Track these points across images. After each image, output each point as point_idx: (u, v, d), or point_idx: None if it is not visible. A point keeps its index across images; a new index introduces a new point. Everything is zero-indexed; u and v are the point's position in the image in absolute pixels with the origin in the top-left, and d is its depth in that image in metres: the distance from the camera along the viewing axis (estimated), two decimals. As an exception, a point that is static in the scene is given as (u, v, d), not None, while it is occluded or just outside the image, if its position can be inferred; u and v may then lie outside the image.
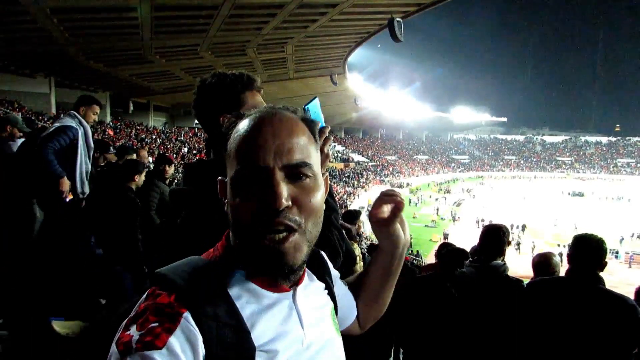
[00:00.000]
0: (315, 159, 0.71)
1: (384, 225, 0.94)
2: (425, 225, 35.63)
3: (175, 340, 0.57)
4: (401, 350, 5.07)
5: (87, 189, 3.89)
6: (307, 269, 0.80)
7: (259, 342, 0.65)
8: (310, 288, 0.81)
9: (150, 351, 0.55)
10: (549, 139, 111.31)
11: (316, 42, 20.34)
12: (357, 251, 4.58)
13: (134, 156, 5.03)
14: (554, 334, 2.32)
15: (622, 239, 30.62)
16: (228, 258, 0.72)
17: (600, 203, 52.12)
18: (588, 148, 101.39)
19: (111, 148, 5.00)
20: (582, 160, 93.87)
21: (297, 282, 0.75)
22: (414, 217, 38.61)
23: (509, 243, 2.84)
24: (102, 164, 4.78)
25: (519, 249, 27.06)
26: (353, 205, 34.54)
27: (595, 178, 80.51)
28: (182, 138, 34.58)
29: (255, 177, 0.64)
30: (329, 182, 0.82)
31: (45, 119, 19.41)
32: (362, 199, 41.81)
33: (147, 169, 4.48)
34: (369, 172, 55.78)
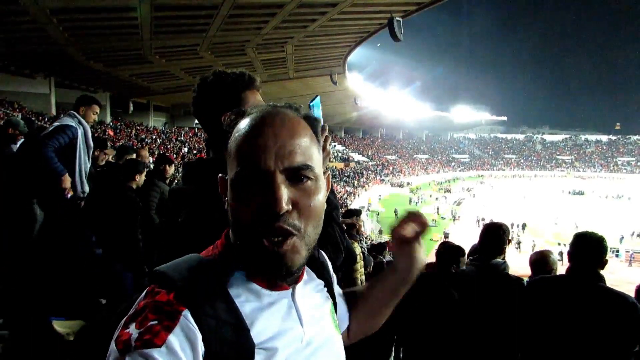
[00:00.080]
0: (317, 159, 0.70)
1: (406, 244, 0.93)
2: (426, 225, 35.58)
3: (175, 339, 0.57)
4: (402, 350, 5.08)
5: (86, 188, 3.89)
6: (306, 267, 0.80)
7: (259, 340, 0.64)
8: (310, 286, 0.81)
9: (150, 349, 0.55)
10: (549, 137, 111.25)
11: (316, 41, 20.33)
12: (358, 250, 4.60)
13: (134, 156, 5.02)
14: (555, 332, 2.31)
15: (622, 237, 30.62)
16: (227, 256, 0.71)
17: (600, 202, 52.11)
18: (588, 147, 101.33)
19: (109, 144, 4.99)
20: (583, 159, 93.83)
21: (297, 281, 0.75)
22: (414, 217, 38.56)
23: (509, 242, 2.84)
24: (102, 163, 4.78)
25: (519, 248, 27.06)
26: (353, 205, 34.53)
27: (596, 177, 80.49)
28: (182, 138, 34.59)
29: (256, 179, 0.64)
30: (330, 180, 0.82)
31: (46, 119, 19.39)
32: (363, 199, 41.83)
33: (147, 169, 4.48)
34: (369, 172, 55.77)
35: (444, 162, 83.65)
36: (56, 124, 3.73)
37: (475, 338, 2.45)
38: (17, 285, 3.61)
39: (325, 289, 0.88)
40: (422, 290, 2.94)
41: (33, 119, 12.53)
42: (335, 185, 39.48)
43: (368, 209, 38.40)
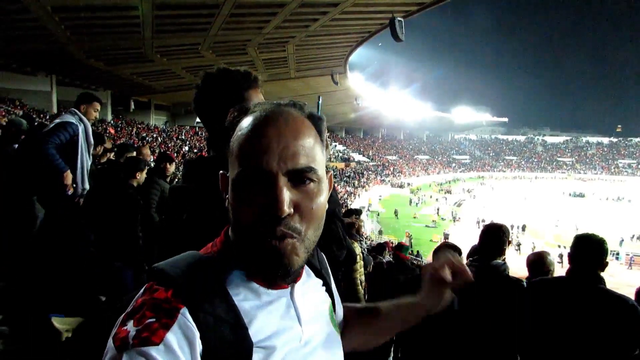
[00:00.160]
0: (320, 161, 0.69)
1: (440, 285, 0.92)
2: (426, 226, 35.64)
3: (173, 336, 0.56)
4: (400, 350, 5.08)
5: (87, 185, 3.89)
6: (305, 266, 0.79)
7: (257, 339, 0.64)
8: (308, 285, 0.81)
9: (147, 347, 0.54)
10: (550, 139, 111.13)
11: (317, 41, 20.35)
12: (358, 250, 4.60)
13: (135, 154, 5.02)
14: (555, 334, 2.31)
15: (622, 240, 30.60)
16: (226, 254, 0.71)
17: (600, 204, 52.05)
18: (589, 149, 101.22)
19: (110, 142, 5.01)
20: (583, 161, 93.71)
21: (295, 280, 0.75)
22: (414, 218, 38.65)
23: (509, 243, 2.83)
24: (104, 160, 4.78)
25: (519, 249, 27.03)
26: (353, 205, 34.56)
27: (596, 179, 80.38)
28: (183, 137, 34.64)
29: (258, 180, 0.63)
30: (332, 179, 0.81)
31: (47, 117, 19.42)
32: (363, 199, 41.83)
33: (148, 167, 4.48)
34: (370, 172, 55.81)
35: (445, 163, 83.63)
36: (57, 121, 3.73)
37: (474, 339, 2.44)
38: (17, 282, 3.62)
39: (324, 288, 0.88)
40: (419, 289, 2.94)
41: (34, 116, 12.57)
42: (336, 185, 39.40)
43: (368, 209, 38.42)
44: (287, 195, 0.62)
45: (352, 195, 41.59)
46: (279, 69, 25.20)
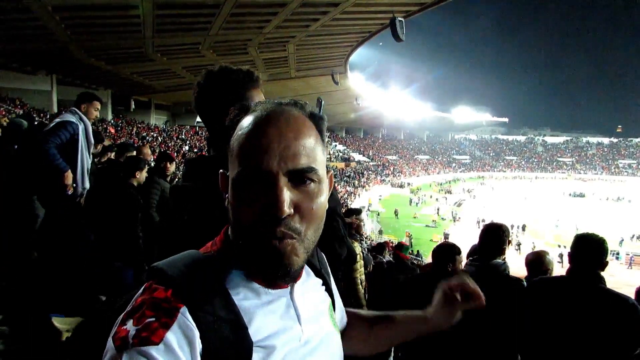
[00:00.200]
0: (321, 161, 0.68)
1: (453, 303, 0.93)
2: (426, 225, 35.63)
3: (172, 336, 0.56)
4: (400, 351, 5.08)
5: (87, 185, 3.89)
6: (305, 266, 0.79)
7: (257, 338, 0.64)
8: (308, 284, 0.81)
9: (147, 347, 0.54)
10: (550, 139, 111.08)
11: (318, 41, 20.34)
12: (358, 249, 4.60)
13: (135, 153, 5.02)
14: (555, 333, 2.31)
15: (622, 240, 30.60)
16: (226, 253, 0.71)
17: (601, 204, 52.03)
18: (589, 149, 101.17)
19: (108, 141, 5.02)
20: (584, 161, 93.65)
21: (295, 279, 0.75)
22: (414, 217, 38.62)
23: (509, 243, 2.83)
24: (104, 159, 4.78)
25: (519, 249, 27.01)
26: (354, 205, 34.53)
27: (597, 179, 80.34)
28: (183, 136, 34.64)
29: (258, 180, 0.62)
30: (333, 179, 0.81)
31: (48, 116, 19.42)
32: (363, 199, 41.81)
33: (148, 166, 4.48)
34: (370, 172, 55.79)
35: (445, 163, 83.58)
36: (57, 120, 3.74)
37: (474, 339, 2.44)
38: (18, 282, 3.62)
39: (324, 287, 0.88)
40: (420, 289, 2.94)
41: (34, 115, 12.56)
42: (336, 185, 39.39)
43: (368, 209, 38.40)
44: (287, 195, 0.62)
45: (352, 195, 41.58)
46: (280, 69, 25.19)
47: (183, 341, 0.57)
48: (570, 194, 60.08)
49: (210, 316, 0.61)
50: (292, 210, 0.63)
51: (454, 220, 38.55)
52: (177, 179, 8.13)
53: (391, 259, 6.40)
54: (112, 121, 29.16)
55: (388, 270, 5.65)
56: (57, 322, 2.45)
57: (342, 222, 1.30)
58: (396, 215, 38.75)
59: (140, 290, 0.64)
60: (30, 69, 22.20)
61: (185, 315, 0.59)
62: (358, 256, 4.62)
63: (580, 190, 61.79)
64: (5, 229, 3.98)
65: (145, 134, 29.63)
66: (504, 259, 2.83)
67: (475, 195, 55.10)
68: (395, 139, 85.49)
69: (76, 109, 3.82)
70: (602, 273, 2.29)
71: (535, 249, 3.58)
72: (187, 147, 31.00)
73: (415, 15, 16.07)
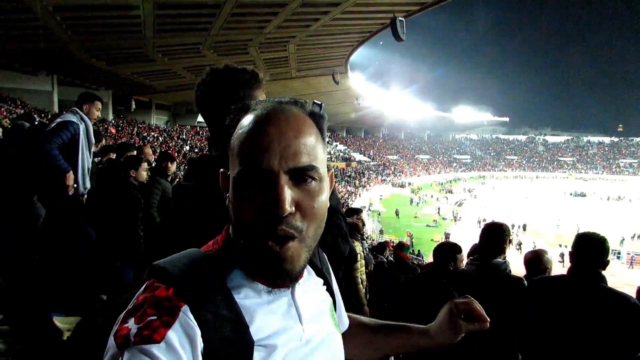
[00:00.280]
0: (322, 159, 0.68)
1: (458, 322, 0.94)
2: (427, 225, 35.62)
3: (174, 334, 0.56)
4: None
5: (88, 184, 3.90)
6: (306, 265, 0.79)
7: (258, 337, 0.64)
8: (309, 284, 0.81)
9: (149, 345, 0.54)
10: (551, 139, 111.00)
11: (318, 41, 20.34)
12: (359, 248, 4.59)
13: (135, 153, 5.03)
14: (556, 332, 2.31)
15: (623, 239, 30.58)
16: (228, 252, 0.71)
17: (601, 203, 51.98)
18: (590, 148, 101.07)
19: (109, 140, 5.03)
20: (584, 161, 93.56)
21: (297, 279, 0.74)
22: (415, 217, 38.61)
23: (510, 242, 2.84)
24: (105, 159, 4.79)
25: (520, 249, 27.00)
26: (354, 205, 34.53)
27: (598, 178, 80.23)
28: (184, 136, 34.67)
29: (259, 179, 0.62)
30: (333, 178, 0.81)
31: (49, 116, 19.43)
32: (364, 199, 41.81)
33: (149, 166, 4.49)
34: (371, 172, 55.80)
35: (446, 162, 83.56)
36: (58, 120, 3.74)
37: (475, 338, 2.45)
38: (18, 281, 3.62)
39: (325, 287, 0.87)
40: (421, 289, 2.94)
41: (35, 115, 12.57)
42: (337, 185, 39.50)
43: (369, 209, 38.41)
44: (288, 194, 0.62)
45: (353, 194, 41.59)
46: (280, 69, 25.20)
47: (184, 340, 0.57)
48: (571, 194, 60.03)
49: (212, 315, 0.61)
50: (293, 209, 0.63)
51: (455, 220, 38.54)
52: (178, 179, 8.14)
53: (392, 258, 6.40)
54: (113, 121, 29.19)
55: (389, 269, 5.65)
56: (58, 321, 2.45)
57: (344, 220, 1.31)
58: (397, 215, 38.75)
59: (142, 289, 0.64)
60: (31, 69, 22.24)
61: (186, 314, 0.59)
62: (359, 255, 4.61)
63: (581, 190, 61.74)
64: (6, 229, 3.99)
65: (146, 134, 29.66)
66: (504, 259, 2.83)
67: (476, 195, 55.07)
68: (396, 138, 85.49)
69: (77, 109, 3.83)
70: (604, 272, 2.29)
71: (536, 248, 3.58)
72: (187, 147, 31.03)
73: (416, 14, 16.05)
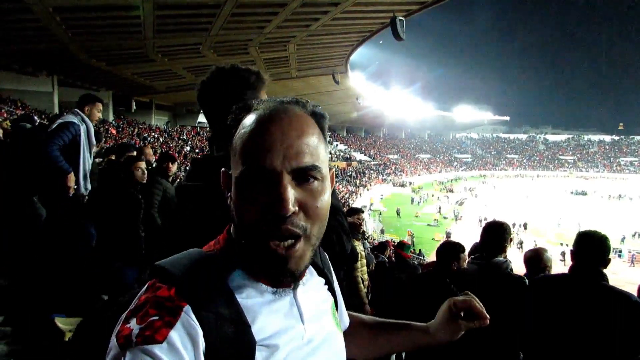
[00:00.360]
0: (324, 159, 0.68)
1: (456, 320, 0.95)
2: (428, 224, 35.63)
3: (176, 335, 0.56)
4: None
5: (89, 186, 3.91)
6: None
7: (260, 337, 0.64)
8: (311, 283, 0.81)
9: (151, 345, 0.54)
10: (551, 137, 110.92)
11: (318, 40, 20.32)
12: (359, 248, 4.59)
13: (135, 153, 5.03)
14: (557, 331, 2.31)
15: (624, 238, 30.57)
16: (229, 252, 0.71)
17: (602, 202, 51.96)
18: (591, 147, 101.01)
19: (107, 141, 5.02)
20: (585, 159, 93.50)
21: (299, 278, 0.74)
22: (416, 216, 38.60)
23: (511, 240, 2.84)
24: (105, 160, 4.79)
25: (521, 247, 26.99)
26: (355, 204, 34.52)
27: (598, 177, 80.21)
28: (185, 137, 34.67)
29: (262, 179, 0.62)
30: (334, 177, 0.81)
31: (50, 117, 19.42)
32: (365, 198, 41.81)
33: (150, 167, 4.49)
34: (371, 171, 55.80)
35: (446, 161, 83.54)
36: (59, 121, 3.75)
37: (476, 337, 2.45)
38: (20, 282, 3.63)
39: (326, 286, 0.88)
40: (423, 288, 2.94)
41: (35, 117, 12.57)
42: (337, 184, 39.50)
43: (370, 209, 38.40)
44: (291, 193, 0.62)
45: (354, 194, 41.57)
46: (280, 69, 25.17)
47: (186, 340, 0.57)
48: (572, 192, 60.02)
49: (214, 315, 0.61)
50: (296, 208, 0.63)
51: (456, 219, 38.54)
52: (178, 179, 8.14)
53: (393, 258, 6.39)
54: (114, 122, 29.20)
55: (390, 269, 5.65)
56: (60, 322, 2.45)
57: (345, 218, 1.32)
58: (398, 214, 38.76)
59: (144, 289, 0.64)
60: (32, 70, 22.21)
61: (188, 314, 0.59)
62: (359, 255, 4.61)
63: (582, 188, 61.71)
64: (6, 230, 3.99)
65: (146, 134, 29.67)
66: (505, 257, 2.83)
67: (477, 194, 55.05)
68: (396, 138, 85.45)
69: (78, 111, 3.85)
70: (605, 271, 2.29)
71: (536, 247, 3.58)
72: (188, 148, 31.05)
73: (416, 14, 16.04)
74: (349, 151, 60.28)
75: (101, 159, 5.10)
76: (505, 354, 2.59)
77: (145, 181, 3.78)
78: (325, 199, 0.68)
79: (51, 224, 3.88)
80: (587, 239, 2.31)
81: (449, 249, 2.97)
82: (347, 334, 0.99)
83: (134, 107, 32.38)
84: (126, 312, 0.60)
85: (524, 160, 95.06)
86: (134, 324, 0.57)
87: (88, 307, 3.00)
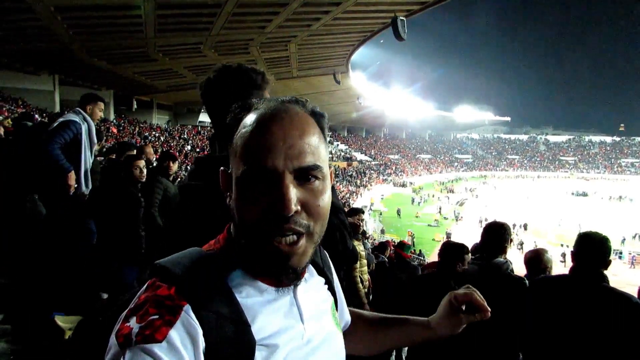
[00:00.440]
0: (324, 158, 0.68)
1: (457, 313, 0.94)
2: (428, 225, 35.58)
3: (176, 334, 0.56)
4: (403, 350, 5.07)
5: (90, 184, 3.91)
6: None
7: (259, 336, 0.64)
8: (311, 283, 0.81)
9: (150, 344, 0.54)
10: (552, 138, 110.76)
11: (319, 40, 20.30)
12: (360, 248, 4.60)
13: (134, 152, 5.03)
14: (558, 332, 2.31)
15: (624, 239, 30.55)
16: (229, 251, 0.71)
17: (603, 203, 51.90)
18: (592, 148, 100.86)
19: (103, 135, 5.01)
20: (586, 160, 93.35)
21: (299, 278, 0.74)
22: (416, 217, 38.56)
23: (511, 241, 2.83)
24: (105, 159, 4.80)
25: (522, 248, 26.97)
26: (356, 204, 34.49)
27: (599, 178, 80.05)
28: (185, 136, 34.68)
29: (264, 179, 0.62)
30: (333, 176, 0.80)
31: (52, 115, 19.44)
32: (365, 198, 41.78)
33: (150, 166, 4.49)
34: (372, 171, 55.76)
35: (447, 162, 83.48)
36: (61, 120, 3.76)
37: (477, 337, 2.44)
38: (20, 280, 3.63)
39: (326, 286, 0.87)
40: (426, 289, 2.94)
41: (36, 115, 12.60)
42: (338, 184, 39.51)
43: (370, 209, 38.39)
44: (294, 193, 0.62)
45: (354, 194, 41.55)
46: (281, 68, 25.16)
47: (186, 339, 0.57)
48: (572, 193, 59.95)
49: (213, 314, 0.61)
50: (298, 208, 0.63)
51: (457, 220, 38.51)
52: (179, 179, 8.14)
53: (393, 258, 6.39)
54: (115, 121, 29.21)
55: (390, 269, 5.65)
56: (60, 320, 2.45)
57: (344, 214, 1.32)
58: (398, 214, 38.73)
59: (144, 288, 0.64)
60: (33, 69, 22.24)
61: (188, 313, 0.59)
62: (359, 255, 4.62)
63: (583, 189, 61.65)
64: (6, 229, 4.00)
65: (147, 133, 29.68)
66: (505, 258, 2.83)
67: (478, 195, 54.99)
68: (397, 138, 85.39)
69: (80, 110, 3.85)
70: (605, 272, 2.28)
71: (536, 248, 3.58)
72: (189, 147, 31.06)
73: (417, 14, 16.02)
74: (350, 151, 60.25)
75: (102, 158, 5.10)
76: (505, 354, 2.59)
77: (144, 180, 3.77)
78: (327, 198, 0.68)
79: (51, 222, 3.88)
80: (587, 240, 2.31)
81: (454, 250, 2.95)
82: (347, 329, 1.00)
83: (135, 106, 32.41)
84: (126, 311, 0.60)
85: (525, 161, 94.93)
86: (133, 323, 0.57)
87: (88, 306, 3.00)
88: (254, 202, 0.63)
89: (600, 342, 2.13)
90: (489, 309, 0.91)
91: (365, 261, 4.92)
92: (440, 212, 40.19)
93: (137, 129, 29.75)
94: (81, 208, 3.81)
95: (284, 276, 0.68)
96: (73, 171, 3.68)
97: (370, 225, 31.56)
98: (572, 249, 2.39)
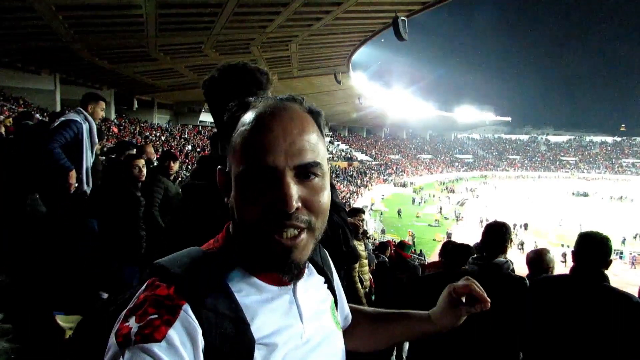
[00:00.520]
0: (324, 155, 0.69)
1: (457, 306, 0.94)
2: (429, 225, 35.55)
3: (175, 333, 0.56)
4: (404, 349, 5.07)
5: (91, 183, 3.91)
6: (307, 263, 0.79)
7: (259, 335, 0.64)
8: (310, 282, 0.81)
9: (150, 344, 0.54)
10: (553, 138, 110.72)
11: (320, 40, 20.31)
12: (361, 248, 4.59)
13: (134, 151, 5.02)
14: (558, 332, 2.30)
15: (625, 239, 30.52)
16: (229, 250, 0.71)
17: (604, 203, 51.86)
18: (593, 148, 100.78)
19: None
20: (587, 160, 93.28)
21: (298, 276, 0.74)
22: (417, 217, 38.53)
23: (511, 241, 2.83)
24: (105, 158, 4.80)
25: (522, 248, 26.93)
26: (356, 204, 34.48)
27: (600, 178, 79.95)
28: (186, 136, 34.70)
29: (264, 176, 0.62)
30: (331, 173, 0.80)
31: (52, 115, 19.42)
32: (366, 198, 41.76)
33: (151, 165, 4.48)
34: (373, 171, 55.74)
35: (448, 162, 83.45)
36: (62, 119, 3.76)
37: (477, 337, 2.44)
38: (20, 279, 3.63)
39: (326, 285, 0.87)
40: (430, 290, 2.93)
41: (37, 115, 12.61)
42: (338, 184, 39.51)
43: (371, 209, 38.36)
44: (295, 190, 0.62)
45: (355, 194, 41.53)
46: (282, 68, 25.17)
47: (185, 338, 0.57)
48: (573, 193, 59.92)
49: (213, 313, 0.61)
50: (299, 204, 0.63)
51: (457, 220, 38.47)
52: (180, 178, 8.14)
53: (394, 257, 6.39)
54: (115, 120, 29.24)
55: (390, 268, 5.65)
56: (60, 319, 2.45)
57: (344, 213, 1.32)
58: (399, 214, 38.71)
59: (143, 287, 0.64)
60: (34, 68, 22.29)
61: (187, 313, 0.59)
62: (359, 255, 4.61)
63: (584, 190, 61.59)
64: (6, 228, 4.00)
65: (148, 133, 29.70)
66: (505, 258, 2.83)
67: (478, 195, 54.96)
68: (397, 138, 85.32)
69: (81, 109, 3.85)
70: (606, 272, 2.28)
71: (538, 248, 3.57)
72: (190, 146, 31.08)
73: (418, 14, 16.02)
74: (350, 151, 60.24)
75: (103, 158, 5.11)
76: (505, 354, 2.59)
77: (144, 179, 3.77)
78: (327, 195, 0.68)
79: (52, 221, 3.88)
80: (588, 240, 2.30)
81: (460, 251, 2.93)
82: (348, 326, 1.00)
83: (136, 105, 32.45)
84: (125, 311, 0.60)
85: (526, 161, 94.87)
86: (132, 323, 0.57)
87: (88, 306, 3.00)
88: (255, 200, 0.63)
89: (600, 342, 2.13)
90: (489, 300, 0.91)
91: (365, 261, 4.92)
92: (440, 212, 40.14)
93: (137, 128, 29.78)
94: (82, 207, 3.81)
95: (286, 271, 0.67)
96: (74, 170, 3.68)
97: (371, 225, 31.54)
98: (572, 249, 2.39)
